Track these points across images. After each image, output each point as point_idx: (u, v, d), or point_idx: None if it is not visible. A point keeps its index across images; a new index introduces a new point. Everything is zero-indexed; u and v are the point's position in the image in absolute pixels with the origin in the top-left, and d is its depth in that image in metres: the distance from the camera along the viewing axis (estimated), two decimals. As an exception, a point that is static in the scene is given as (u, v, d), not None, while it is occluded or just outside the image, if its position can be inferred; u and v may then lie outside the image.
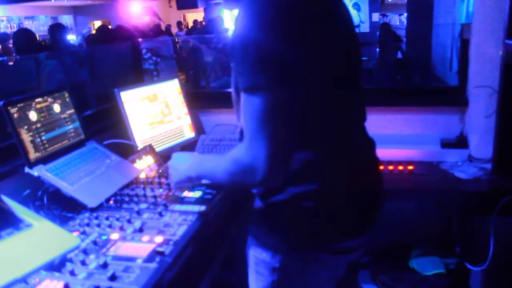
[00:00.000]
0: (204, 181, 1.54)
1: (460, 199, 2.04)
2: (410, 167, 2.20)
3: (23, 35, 4.64)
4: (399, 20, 11.51)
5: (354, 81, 1.30)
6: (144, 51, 2.93)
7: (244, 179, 1.12)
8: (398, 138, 2.34)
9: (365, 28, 7.50)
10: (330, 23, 1.20)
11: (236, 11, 1.15)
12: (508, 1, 1.86)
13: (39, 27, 11.28)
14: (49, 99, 1.76)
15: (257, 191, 1.30)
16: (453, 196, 2.05)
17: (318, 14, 1.16)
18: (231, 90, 1.26)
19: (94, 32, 11.06)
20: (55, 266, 1.16)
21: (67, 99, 1.85)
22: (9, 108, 1.58)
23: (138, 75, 2.82)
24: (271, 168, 1.06)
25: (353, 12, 7.31)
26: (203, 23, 10.87)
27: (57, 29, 5.11)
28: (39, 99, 1.72)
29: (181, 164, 1.45)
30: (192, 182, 1.51)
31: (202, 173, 1.35)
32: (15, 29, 11.37)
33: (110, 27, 7.54)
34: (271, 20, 1.06)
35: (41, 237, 1.23)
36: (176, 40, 8.77)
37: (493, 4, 2.05)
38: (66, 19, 13.65)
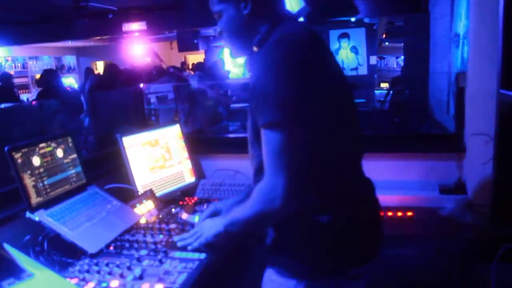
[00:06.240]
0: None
1: (460, 245, 2.04)
2: (409, 213, 2.20)
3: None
4: (396, 63, 11.73)
5: (352, 123, 1.38)
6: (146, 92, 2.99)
7: (265, 207, 1.23)
8: (397, 184, 2.35)
9: (363, 70, 7.62)
10: (329, 71, 1.32)
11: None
12: (501, 52, 1.92)
13: (43, 67, 11.42)
14: (53, 144, 1.79)
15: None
16: (453, 243, 2.04)
17: (321, 63, 1.28)
18: (239, 135, 1.32)
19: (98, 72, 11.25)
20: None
21: (70, 144, 1.87)
22: (13, 153, 1.60)
23: (139, 119, 2.86)
24: (287, 196, 1.19)
25: (351, 55, 7.45)
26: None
27: (50, 74, 5.24)
28: (43, 144, 1.74)
29: (211, 224, 1.45)
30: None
31: (233, 221, 1.35)
32: (20, 69, 11.51)
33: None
34: (287, 70, 1.19)
35: (43, 288, 1.22)
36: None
37: (486, 55, 2.11)
38: (69, 60, 13.84)
